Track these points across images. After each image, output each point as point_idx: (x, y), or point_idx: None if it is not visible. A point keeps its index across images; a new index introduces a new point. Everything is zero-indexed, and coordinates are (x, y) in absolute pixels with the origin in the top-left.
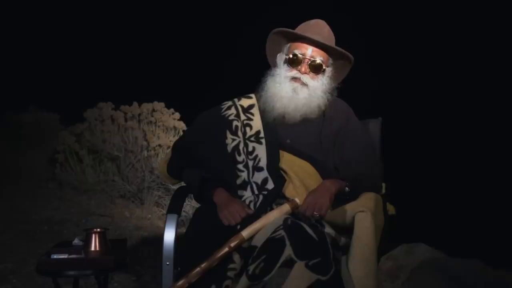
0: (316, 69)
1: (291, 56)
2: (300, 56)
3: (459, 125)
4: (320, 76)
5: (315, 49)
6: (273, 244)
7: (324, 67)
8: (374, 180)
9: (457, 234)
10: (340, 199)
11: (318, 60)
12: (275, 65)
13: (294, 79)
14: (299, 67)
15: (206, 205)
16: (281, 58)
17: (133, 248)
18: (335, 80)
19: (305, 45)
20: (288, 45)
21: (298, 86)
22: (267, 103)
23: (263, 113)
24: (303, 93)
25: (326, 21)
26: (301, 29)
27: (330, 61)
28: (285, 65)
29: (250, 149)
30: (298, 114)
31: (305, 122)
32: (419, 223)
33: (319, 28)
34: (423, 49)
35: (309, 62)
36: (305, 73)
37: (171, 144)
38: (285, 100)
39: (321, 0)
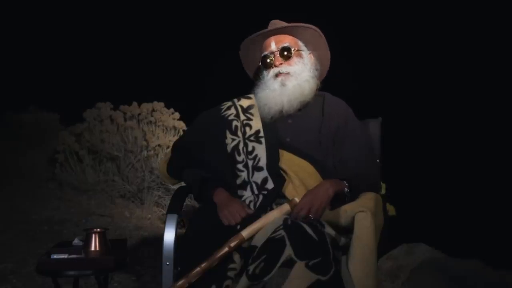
0: (286, 54)
1: (262, 59)
2: (268, 53)
3: (459, 125)
4: (296, 59)
5: (277, 39)
6: (273, 244)
7: (294, 48)
8: (372, 181)
9: (457, 234)
10: (339, 200)
11: (284, 44)
12: (260, 77)
13: (276, 75)
14: (273, 63)
15: (206, 205)
16: (261, 70)
17: (133, 248)
18: (324, 61)
19: (267, 43)
20: (260, 55)
21: (283, 78)
22: (262, 109)
23: (262, 115)
24: (290, 82)
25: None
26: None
27: (301, 43)
28: (264, 71)
29: (249, 148)
30: (295, 104)
31: (305, 120)
32: (419, 223)
33: (275, 22)
34: (423, 49)
35: (279, 53)
36: (281, 63)
37: (171, 144)
38: (277, 98)
39: (321, 1)
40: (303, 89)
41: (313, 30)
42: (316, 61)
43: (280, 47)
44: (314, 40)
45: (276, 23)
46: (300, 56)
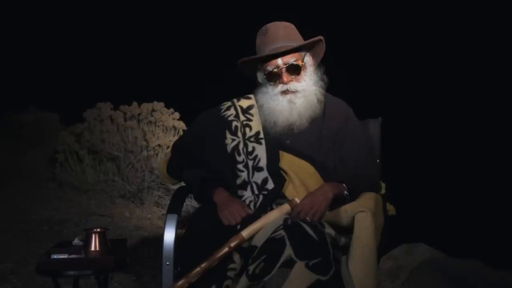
0: (295, 71)
1: (268, 74)
2: (275, 70)
3: (459, 125)
4: (303, 73)
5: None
6: (273, 244)
7: (301, 64)
8: (372, 181)
9: (457, 234)
10: (339, 202)
11: (293, 62)
12: (258, 81)
13: (284, 92)
14: (280, 79)
15: (206, 205)
16: (261, 76)
17: (133, 248)
18: (316, 60)
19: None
20: (260, 63)
21: (291, 96)
22: (267, 120)
23: (263, 116)
24: (298, 99)
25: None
26: (260, 43)
27: (304, 52)
28: (268, 83)
29: (250, 149)
30: (304, 119)
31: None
32: (419, 223)
33: (275, 34)
34: (423, 50)
35: (286, 69)
36: (290, 81)
37: (171, 144)
38: (285, 113)
39: (322, 0)
40: (312, 104)
41: (318, 41)
42: (316, 62)
43: (289, 63)
44: (314, 45)
45: (278, 25)
46: (305, 68)
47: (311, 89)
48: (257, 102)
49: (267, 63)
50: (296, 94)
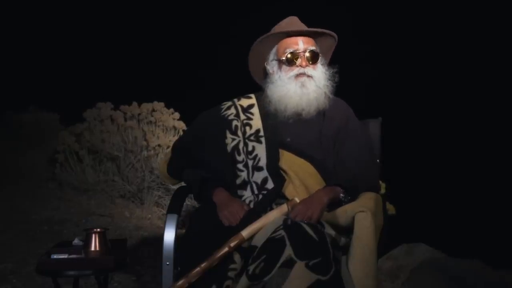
0: (314, 58)
1: (287, 55)
2: (296, 52)
3: (459, 125)
4: (318, 64)
5: (304, 39)
6: (273, 244)
7: (320, 54)
8: (372, 181)
9: (457, 234)
10: (335, 205)
11: (314, 49)
12: (266, 74)
13: (299, 75)
14: (298, 62)
15: (206, 205)
16: (272, 64)
17: (133, 248)
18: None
19: (293, 40)
20: (275, 49)
21: (305, 80)
22: (277, 106)
23: (264, 113)
24: (311, 85)
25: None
26: (279, 29)
27: (318, 47)
28: (283, 66)
29: (250, 148)
30: (312, 109)
31: (306, 121)
32: (419, 223)
33: (295, 21)
34: (423, 49)
35: (306, 54)
36: (307, 66)
37: (171, 144)
38: (296, 98)
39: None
40: (320, 95)
41: (334, 40)
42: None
43: (309, 49)
44: (327, 46)
45: (294, 19)
46: (319, 61)
47: (323, 82)
48: (259, 101)
49: (286, 45)
50: (310, 80)
